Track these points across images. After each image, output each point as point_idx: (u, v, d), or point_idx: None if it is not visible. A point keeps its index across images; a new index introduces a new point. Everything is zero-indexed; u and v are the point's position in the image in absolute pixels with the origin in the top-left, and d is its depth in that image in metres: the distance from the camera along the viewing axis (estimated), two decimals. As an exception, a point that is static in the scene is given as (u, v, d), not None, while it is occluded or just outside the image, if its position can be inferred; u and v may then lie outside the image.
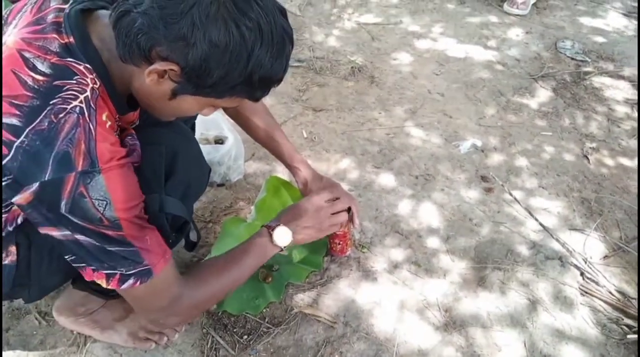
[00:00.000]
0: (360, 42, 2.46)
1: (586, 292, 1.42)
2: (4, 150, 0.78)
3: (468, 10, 2.76)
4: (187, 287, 1.01)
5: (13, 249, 1.02)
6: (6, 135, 0.78)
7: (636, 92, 2.18)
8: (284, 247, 1.16)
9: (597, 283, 1.43)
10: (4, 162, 0.78)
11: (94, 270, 0.88)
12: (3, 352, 1.24)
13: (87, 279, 0.90)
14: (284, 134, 1.37)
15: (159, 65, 0.78)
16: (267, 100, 2.02)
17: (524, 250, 1.52)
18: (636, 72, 2.28)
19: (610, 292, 1.41)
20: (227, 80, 0.80)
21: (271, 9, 0.80)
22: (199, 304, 1.06)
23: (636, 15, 2.73)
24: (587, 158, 1.85)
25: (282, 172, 1.68)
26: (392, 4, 2.79)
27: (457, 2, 2.84)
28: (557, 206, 1.66)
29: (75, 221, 0.81)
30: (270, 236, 1.14)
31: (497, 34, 2.56)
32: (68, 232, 0.83)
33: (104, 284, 0.90)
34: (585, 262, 1.48)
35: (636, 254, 1.50)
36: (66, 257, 0.88)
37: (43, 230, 0.85)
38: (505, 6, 2.73)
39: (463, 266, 1.47)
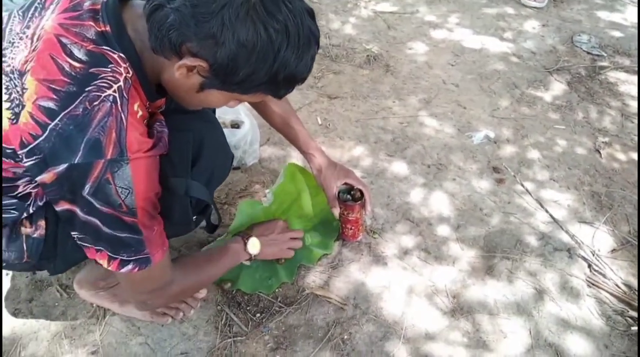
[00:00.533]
0: (376, 31, 2.47)
1: (593, 284, 1.44)
2: (38, 130, 0.82)
3: (485, 1, 2.76)
4: (177, 275, 1.07)
5: (42, 223, 1.06)
6: (42, 117, 0.81)
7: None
8: (253, 255, 1.29)
9: (604, 275, 1.46)
10: (36, 142, 0.82)
11: (97, 250, 0.92)
12: (27, 321, 1.29)
13: (89, 257, 0.95)
14: (300, 120, 1.40)
15: (188, 61, 0.81)
16: (283, 86, 2.04)
17: (532, 241, 1.54)
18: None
19: (617, 285, 1.43)
20: (253, 79, 0.83)
21: (299, 10, 0.82)
22: (184, 290, 1.17)
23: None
24: (599, 152, 1.86)
25: (297, 158, 1.71)
26: (409, -7, 2.80)
27: (474, -8, 2.83)
28: (568, 198, 1.68)
29: (95, 204, 0.85)
30: (245, 244, 1.28)
31: (513, 25, 2.56)
32: (83, 213, 0.87)
33: (104, 265, 0.94)
34: (593, 255, 1.51)
35: (644, 248, 1.52)
36: (73, 233, 0.92)
37: (59, 206, 0.88)
38: (523, -2, 2.73)
39: (472, 254, 1.50)
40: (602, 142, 1.91)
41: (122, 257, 0.93)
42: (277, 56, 0.81)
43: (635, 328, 1.33)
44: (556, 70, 2.26)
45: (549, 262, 1.48)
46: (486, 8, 2.70)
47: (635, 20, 2.65)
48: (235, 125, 1.74)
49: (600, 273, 1.47)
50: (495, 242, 1.53)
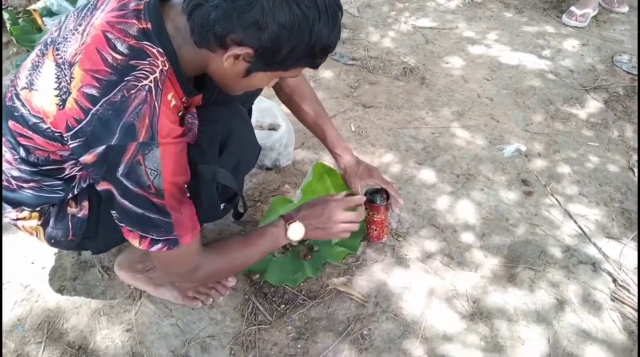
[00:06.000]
0: (415, 45, 2.53)
1: (617, 299, 1.44)
2: (82, 115, 0.91)
3: (525, 19, 2.78)
4: (205, 260, 1.13)
5: (86, 203, 1.17)
6: (85, 103, 0.91)
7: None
8: (295, 241, 1.24)
9: (629, 291, 1.45)
10: (80, 125, 0.92)
11: (130, 230, 1.01)
12: (71, 297, 1.40)
13: (125, 236, 1.03)
14: (330, 121, 1.47)
15: (235, 50, 0.90)
16: (319, 94, 2.12)
17: (557, 252, 1.55)
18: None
19: (642, 301, 1.43)
20: (294, 55, 0.92)
21: None
22: (212, 275, 1.22)
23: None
24: (633, 171, 1.85)
25: (329, 161, 1.78)
26: (449, 10, 2.85)
27: (515, 11, 2.86)
28: (596, 213, 1.68)
29: (127, 184, 0.93)
30: (286, 228, 1.22)
31: (552, 44, 2.57)
32: (118, 194, 0.96)
33: (136, 245, 1.03)
34: (620, 269, 1.51)
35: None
36: (112, 212, 1.01)
37: (100, 186, 0.97)
38: (564, 18, 2.73)
39: (495, 262, 1.52)
40: (637, 161, 1.89)
41: (152, 237, 1.01)
42: (312, 30, 0.89)
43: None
44: (593, 88, 2.26)
45: (572, 275, 1.49)
46: (526, 26, 2.72)
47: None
48: (273, 128, 1.83)
49: (625, 288, 1.46)
50: (519, 251, 1.55)
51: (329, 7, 0.90)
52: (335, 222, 1.27)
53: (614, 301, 1.44)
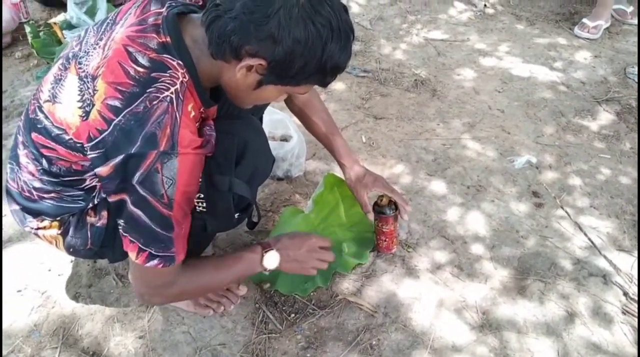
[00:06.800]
0: (426, 57, 2.55)
1: (627, 312, 1.43)
2: (104, 125, 0.94)
3: (537, 31, 2.79)
4: (182, 277, 1.12)
5: (105, 213, 1.20)
6: (108, 114, 0.94)
7: None
8: (269, 270, 1.24)
9: (640, 304, 1.45)
10: (102, 136, 0.94)
11: (131, 241, 1.02)
12: (86, 304, 1.43)
13: (124, 247, 1.04)
14: (340, 133, 1.50)
15: (250, 61, 0.93)
16: (331, 106, 2.16)
17: (567, 265, 1.55)
18: None
19: (653, 314, 1.42)
20: (305, 70, 0.95)
21: (338, 7, 0.94)
22: (184, 293, 1.22)
23: None
24: (645, 183, 1.85)
25: (339, 172, 1.79)
26: (461, 22, 2.87)
27: (526, 23, 2.87)
28: (608, 226, 1.68)
29: (141, 192, 0.95)
30: (262, 255, 1.22)
31: (564, 56, 2.57)
32: (130, 202, 0.97)
33: (133, 257, 1.04)
34: (631, 282, 1.50)
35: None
36: (119, 221, 1.02)
37: (112, 198, 0.99)
38: (576, 29, 2.73)
39: (505, 274, 1.53)
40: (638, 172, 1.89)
41: (151, 251, 1.02)
42: (325, 48, 0.92)
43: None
44: (605, 100, 2.25)
45: (582, 287, 1.49)
46: (538, 38, 2.72)
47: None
48: (285, 139, 1.86)
49: (636, 301, 1.45)
50: (529, 263, 1.55)
51: (342, 28, 0.94)
52: (311, 258, 1.29)
53: (625, 314, 1.43)
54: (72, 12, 2.42)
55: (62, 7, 2.63)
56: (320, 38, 0.91)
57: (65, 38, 2.40)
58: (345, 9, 0.97)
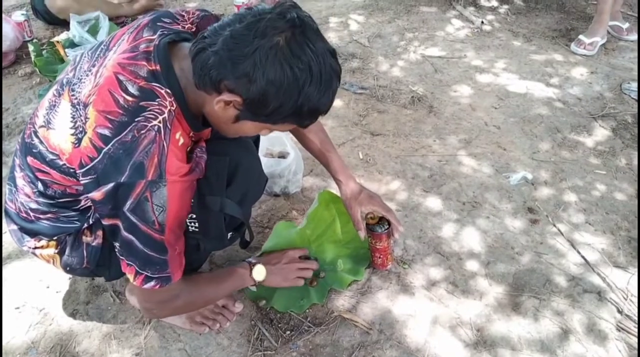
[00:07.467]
0: (423, 74, 2.58)
1: (622, 329, 1.43)
2: (95, 153, 0.97)
3: (534, 48, 2.82)
4: (185, 290, 1.18)
5: (100, 233, 1.22)
6: (98, 142, 0.97)
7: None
8: (257, 282, 1.37)
9: (635, 321, 1.45)
10: (92, 163, 0.97)
11: (128, 264, 1.06)
12: (83, 321, 1.44)
13: (122, 269, 1.08)
14: (335, 150, 1.51)
15: (225, 96, 0.95)
16: (329, 122, 2.18)
17: (562, 281, 1.55)
18: None
19: (648, 331, 1.42)
20: (281, 111, 0.96)
21: (322, 51, 0.94)
22: (187, 305, 1.26)
23: None
24: (640, 199, 1.85)
25: (336, 189, 1.81)
26: (458, 39, 2.90)
27: (523, 39, 2.90)
28: (602, 242, 1.69)
29: (133, 219, 0.98)
30: (251, 269, 1.35)
31: (560, 72, 2.60)
32: (123, 228, 1.00)
33: (131, 279, 1.07)
34: (626, 299, 1.50)
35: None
36: (115, 244, 1.06)
37: (105, 221, 1.02)
38: (572, 46, 2.76)
39: (500, 290, 1.53)
40: (637, 187, 1.90)
41: (147, 274, 1.06)
42: (301, 92, 0.93)
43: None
44: (601, 116, 2.27)
45: (577, 304, 1.49)
46: (534, 54, 2.75)
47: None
48: (282, 156, 1.88)
49: (631, 318, 1.46)
50: (524, 280, 1.56)
51: (324, 72, 0.94)
52: (293, 267, 1.45)
53: (619, 331, 1.43)
54: (75, 30, 2.47)
55: (66, 25, 2.68)
56: (296, 81, 0.92)
57: (67, 56, 2.44)
58: (332, 53, 0.97)
